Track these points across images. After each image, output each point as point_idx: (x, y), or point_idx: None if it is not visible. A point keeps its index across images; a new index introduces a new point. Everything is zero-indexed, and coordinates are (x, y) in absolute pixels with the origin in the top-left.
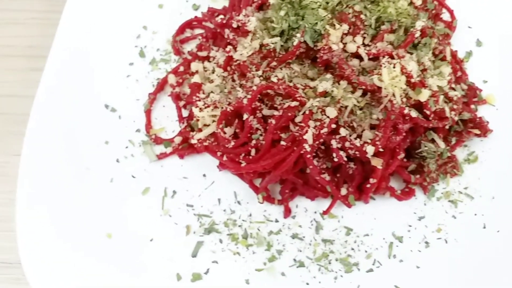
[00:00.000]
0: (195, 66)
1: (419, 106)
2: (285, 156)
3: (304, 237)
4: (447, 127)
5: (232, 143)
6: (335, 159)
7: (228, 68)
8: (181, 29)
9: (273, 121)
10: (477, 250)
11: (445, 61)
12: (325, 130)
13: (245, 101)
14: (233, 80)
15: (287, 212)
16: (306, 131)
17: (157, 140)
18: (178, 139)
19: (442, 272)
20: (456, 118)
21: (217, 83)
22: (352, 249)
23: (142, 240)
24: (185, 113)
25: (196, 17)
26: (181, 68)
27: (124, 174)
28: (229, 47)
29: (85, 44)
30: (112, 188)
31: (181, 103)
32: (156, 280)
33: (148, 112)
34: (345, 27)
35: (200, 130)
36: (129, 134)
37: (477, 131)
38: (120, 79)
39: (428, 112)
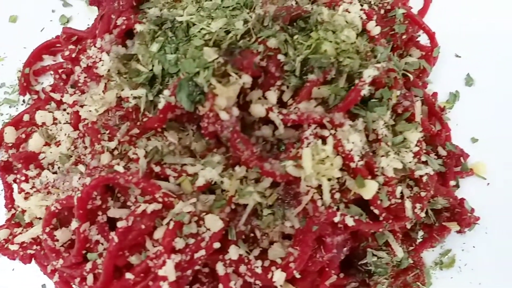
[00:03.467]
0: (41, 116)
1: (363, 201)
2: None
3: None
4: (408, 226)
5: (61, 262)
6: None
7: (80, 127)
8: (36, 55)
9: (116, 239)
10: None
11: (413, 122)
12: (201, 253)
13: (75, 199)
14: (85, 148)
15: None
16: (164, 263)
17: None
18: (3, 233)
19: None
20: (423, 215)
21: (63, 150)
22: None
23: None
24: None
25: (58, 37)
26: (26, 117)
27: None
28: (73, 99)
29: None
30: None
31: (11, 178)
32: None
33: None
34: (246, 79)
35: (29, 225)
36: None
37: (456, 226)
38: None
39: (377, 212)
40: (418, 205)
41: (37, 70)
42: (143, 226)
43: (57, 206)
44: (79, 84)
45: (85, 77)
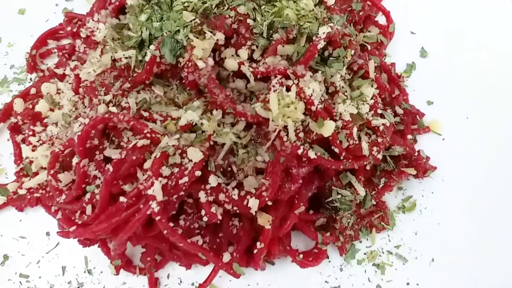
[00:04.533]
0: (46, 87)
1: (325, 142)
2: (127, 217)
3: None
4: (368, 167)
5: (63, 197)
6: (205, 218)
7: (80, 90)
8: (42, 40)
9: (111, 168)
10: None
11: (367, 78)
12: (185, 179)
13: (76, 138)
14: (85, 107)
15: (153, 286)
16: (152, 183)
17: None
18: (13, 186)
19: None
20: (380, 156)
21: (65, 111)
22: None
23: None
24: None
25: (61, 24)
26: (33, 91)
27: None
28: (74, 63)
29: None
30: None
31: (20, 137)
32: None
33: None
34: (219, 36)
35: (35, 174)
36: None
37: (412, 171)
38: None
39: (337, 151)
40: (375, 148)
41: (43, 53)
42: (134, 157)
43: (61, 148)
44: (79, 55)
45: (84, 47)
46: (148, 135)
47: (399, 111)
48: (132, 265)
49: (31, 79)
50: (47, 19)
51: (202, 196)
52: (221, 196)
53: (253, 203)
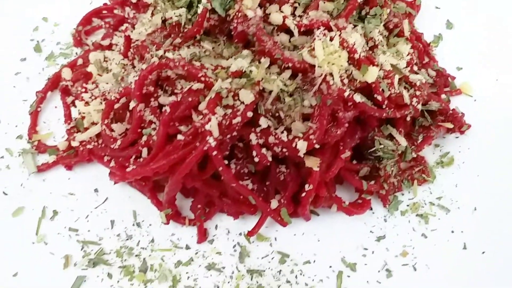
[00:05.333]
0: (93, 56)
1: (368, 91)
2: (184, 155)
3: (223, 267)
4: (408, 118)
5: (119, 142)
6: (256, 159)
7: (129, 54)
8: (87, 19)
9: (168, 109)
10: (455, 278)
11: (402, 37)
12: (238, 119)
13: (133, 85)
14: (134, 67)
15: (202, 235)
16: (209, 119)
17: (40, 148)
18: (63, 145)
19: None
20: (420, 107)
21: (116, 71)
22: (288, 281)
23: (2, 275)
24: (76, 113)
25: (105, 4)
26: (80, 61)
27: None
28: (126, 25)
29: None
30: None
31: (70, 99)
32: None
33: (34, 114)
34: None
35: (86, 130)
36: (7, 142)
37: (449, 125)
38: (7, 76)
39: (379, 98)
40: (414, 99)
41: (87, 30)
42: (190, 99)
43: (116, 96)
44: (129, 21)
45: (134, 13)
46: (202, 79)
47: (431, 73)
48: (181, 215)
49: (76, 53)
50: (91, 1)
51: (253, 138)
52: (271, 139)
53: (302, 145)
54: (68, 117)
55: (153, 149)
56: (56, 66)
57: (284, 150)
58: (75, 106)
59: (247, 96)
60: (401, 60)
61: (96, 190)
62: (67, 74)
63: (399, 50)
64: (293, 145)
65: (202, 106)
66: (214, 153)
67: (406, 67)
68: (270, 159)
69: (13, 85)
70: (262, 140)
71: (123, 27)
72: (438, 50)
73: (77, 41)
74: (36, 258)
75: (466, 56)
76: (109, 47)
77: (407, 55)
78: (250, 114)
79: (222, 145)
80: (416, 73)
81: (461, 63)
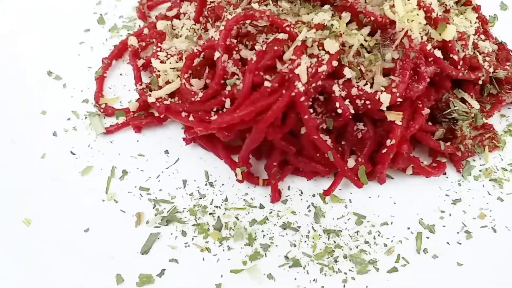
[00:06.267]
0: (161, 24)
1: (443, 52)
2: (270, 103)
3: (299, 227)
4: (480, 82)
5: (201, 95)
6: (339, 111)
7: (201, 19)
8: None
9: (254, 58)
10: None
11: (470, 5)
12: (324, 68)
13: (216, 36)
14: (206, 30)
15: (276, 195)
16: (299, 64)
17: (107, 110)
18: (133, 105)
19: (492, 271)
20: (491, 70)
21: (186, 35)
22: (367, 242)
23: (74, 230)
24: (145, 79)
25: None
26: (146, 31)
27: (60, 149)
28: None
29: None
30: (43, 165)
31: (140, 62)
32: (88, 282)
33: (100, 79)
34: None
35: (160, 88)
36: (73, 105)
37: None
38: (71, 45)
39: (456, 58)
40: (486, 63)
41: (150, 5)
42: (275, 48)
43: (199, 48)
44: None
45: None
46: (288, 29)
47: (493, 46)
48: (254, 176)
49: (140, 25)
50: None
51: (336, 89)
52: (354, 91)
53: (385, 98)
54: (138, 79)
55: (239, 98)
56: (119, 37)
57: (367, 102)
58: (145, 70)
59: (332, 45)
60: (470, 28)
61: (166, 152)
62: (134, 41)
63: (467, 17)
64: (376, 97)
65: (287, 55)
66: (302, 98)
67: (475, 34)
68: (352, 111)
69: (78, 54)
70: (345, 93)
71: None
72: (494, 30)
73: (142, 13)
74: (107, 216)
75: None
76: (176, 16)
77: (475, 23)
78: (335, 63)
79: (307, 96)
80: (484, 40)
81: None
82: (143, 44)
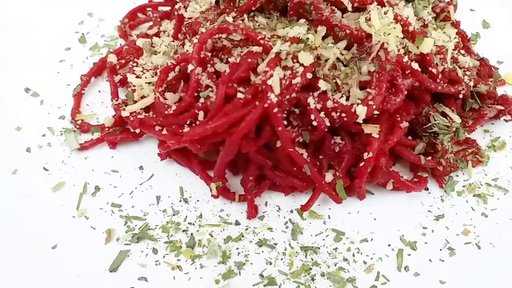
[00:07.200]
0: (141, 41)
1: (422, 66)
2: (243, 114)
3: (276, 244)
4: (460, 95)
5: (174, 108)
6: (315, 123)
7: (179, 36)
8: (133, 14)
9: (228, 70)
10: None
11: (448, 21)
12: (298, 80)
13: (191, 50)
14: (183, 46)
15: (252, 211)
16: (271, 75)
17: (83, 127)
18: (108, 121)
19: None
20: (471, 83)
21: (164, 51)
22: (345, 259)
23: (41, 246)
24: (123, 95)
25: (150, 0)
26: (125, 49)
27: (33, 165)
28: (179, 4)
29: (16, 23)
30: (13, 181)
31: (117, 78)
32: None
33: (78, 96)
34: None
35: (135, 102)
36: (49, 121)
37: (500, 107)
38: (51, 63)
39: (434, 71)
40: (466, 77)
41: (132, 25)
42: (249, 60)
43: (173, 62)
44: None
45: None
46: (262, 41)
47: (475, 63)
48: (230, 191)
49: (121, 44)
50: (134, 1)
51: (311, 102)
52: (329, 103)
53: (361, 110)
54: (115, 94)
55: (212, 110)
56: (100, 55)
57: (343, 115)
58: (122, 86)
59: (306, 58)
60: (449, 42)
61: (141, 168)
62: (113, 59)
63: (446, 32)
64: (352, 110)
65: (261, 68)
66: (275, 110)
67: (455, 49)
68: (328, 123)
69: (57, 71)
70: (320, 105)
71: (176, 6)
72: (476, 48)
73: (123, 32)
74: (77, 232)
75: (505, 52)
76: (157, 34)
77: (454, 38)
78: (309, 75)
79: (280, 107)
80: (464, 55)
81: (501, 58)
82: (123, 61)
